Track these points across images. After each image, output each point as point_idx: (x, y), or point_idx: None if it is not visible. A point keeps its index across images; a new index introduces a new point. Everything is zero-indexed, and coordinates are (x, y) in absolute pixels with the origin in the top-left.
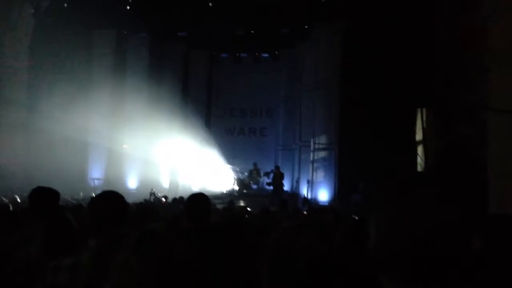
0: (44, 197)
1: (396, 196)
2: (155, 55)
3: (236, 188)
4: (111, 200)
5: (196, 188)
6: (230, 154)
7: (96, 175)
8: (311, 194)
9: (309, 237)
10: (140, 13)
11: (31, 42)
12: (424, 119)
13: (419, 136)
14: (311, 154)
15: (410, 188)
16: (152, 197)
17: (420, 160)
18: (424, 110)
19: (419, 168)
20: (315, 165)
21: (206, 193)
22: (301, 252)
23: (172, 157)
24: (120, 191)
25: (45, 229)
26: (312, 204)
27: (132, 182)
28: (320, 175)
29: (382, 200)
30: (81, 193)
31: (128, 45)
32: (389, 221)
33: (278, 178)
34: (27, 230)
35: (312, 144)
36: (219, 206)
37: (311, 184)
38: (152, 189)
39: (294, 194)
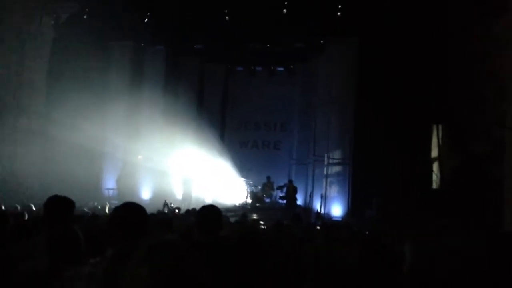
0: (59, 206)
1: (415, 218)
2: (172, 67)
3: (249, 201)
4: (133, 211)
5: (209, 200)
6: (244, 166)
7: (110, 185)
8: (325, 209)
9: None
10: (157, 25)
11: (50, 53)
12: (440, 135)
13: (434, 152)
14: (325, 168)
15: (431, 214)
16: (166, 208)
17: (435, 177)
18: (440, 126)
19: (434, 185)
20: (328, 179)
21: (219, 206)
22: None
23: (186, 168)
24: (134, 202)
25: (50, 241)
26: (325, 219)
27: (145, 193)
28: (333, 190)
29: (405, 223)
30: (95, 203)
31: (145, 57)
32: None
33: (291, 192)
34: (35, 241)
35: (326, 158)
36: (232, 219)
37: (324, 198)
38: (165, 200)
39: (307, 208)
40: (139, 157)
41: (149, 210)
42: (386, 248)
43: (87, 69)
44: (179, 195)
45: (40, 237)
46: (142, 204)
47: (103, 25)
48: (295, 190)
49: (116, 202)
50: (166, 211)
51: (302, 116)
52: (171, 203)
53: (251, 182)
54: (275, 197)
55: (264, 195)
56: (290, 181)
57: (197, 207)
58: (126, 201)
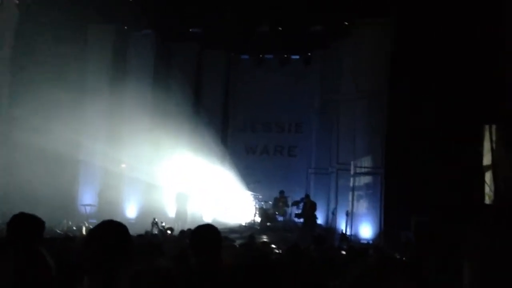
0: (25, 226)
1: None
2: (162, 55)
3: (258, 220)
4: (114, 232)
5: (208, 219)
6: (251, 177)
7: (88, 201)
8: (351, 229)
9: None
10: (145, 5)
11: (14, 38)
12: (494, 138)
13: (487, 159)
14: (351, 179)
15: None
16: (155, 229)
17: (488, 189)
18: (494, 127)
19: (487, 200)
20: (356, 193)
21: (221, 226)
22: None
23: (180, 180)
24: (115, 220)
25: (14, 269)
26: (351, 241)
27: (131, 210)
28: (362, 206)
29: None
30: (70, 222)
31: (129, 43)
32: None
33: (309, 209)
34: None
35: (352, 167)
36: (237, 242)
37: (350, 216)
38: (154, 219)
39: (330, 228)
40: (123, 166)
41: (135, 230)
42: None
43: (60, 58)
44: (171, 213)
45: (2, 264)
46: (127, 223)
47: (79, 4)
48: (314, 207)
49: (95, 221)
50: (155, 231)
51: (322, 115)
52: (162, 223)
53: (260, 197)
54: (290, 215)
55: (277, 213)
56: (308, 196)
57: (194, 227)
58: (106, 220)
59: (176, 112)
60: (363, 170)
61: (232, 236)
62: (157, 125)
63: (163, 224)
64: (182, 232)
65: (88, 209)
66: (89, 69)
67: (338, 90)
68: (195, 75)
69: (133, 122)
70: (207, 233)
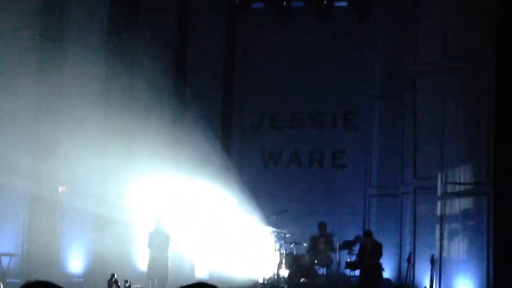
0: None
1: None
2: (123, 6)
3: (285, 273)
4: None
5: (203, 273)
6: (272, 204)
7: (7, 247)
8: (440, 286)
9: None
10: None
11: None
12: None
13: None
14: (438, 204)
15: None
16: None
17: None
18: None
19: None
20: (446, 226)
21: (224, 284)
22: None
23: (155, 212)
24: (54, 279)
25: None
26: None
27: (75, 261)
28: (457, 248)
29: None
30: None
31: None
32: None
33: (370, 255)
34: None
35: (439, 184)
36: None
37: (439, 265)
38: (113, 276)
39: (404, 286)
40: (60, 190)
41: None
42: None
43: None
44: (142, 265)
45: None
46: (68, 284)
47: None
48: (378, 251)
49: (17, 282)
50: None
51: (388, 100)
52: (127, 282)
53: (287, 236)
54: (338, 264)
55: (316, 262)
56: (368, 233)
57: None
58: (34, 280)
59: (146, 99)
60: (458, 188)
61: None
62: (115, 121)
63: (128, 284)
64: None
65: (6, 261)
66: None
67: (413, 59)
68: (177, 37)
69: (75, 115)
70: None
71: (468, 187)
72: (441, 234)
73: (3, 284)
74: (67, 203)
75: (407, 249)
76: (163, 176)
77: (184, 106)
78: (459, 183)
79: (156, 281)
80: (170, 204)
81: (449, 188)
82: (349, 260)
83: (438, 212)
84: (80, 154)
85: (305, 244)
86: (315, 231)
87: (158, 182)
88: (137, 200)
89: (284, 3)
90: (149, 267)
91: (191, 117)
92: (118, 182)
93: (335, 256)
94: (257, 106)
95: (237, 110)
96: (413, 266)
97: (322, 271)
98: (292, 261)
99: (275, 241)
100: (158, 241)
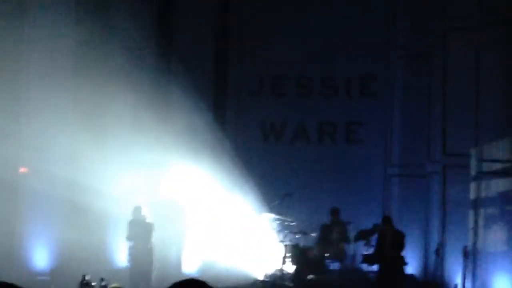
0: None
1: None
2: None
3: (290, 269)
4: None
5: (192, 269)
6: (274, 187)
7: None
8: (474, 285)
9: None
10: None
11: None
12: None
13: None
14: (472, 186)
15: None
16: None
17: None
18: None
19: None
20: (482, 212)
21: (218, 282)
22: None
23: (136, 197)
24: (14, 278)
25: None
26: None
27: (40, 257)
28: (495, 237)
29: None
30: None
31: None
32: None
33: (390, 246)
34: None
35: (473, 161)
36: None
37: (472, 257)
38: (84, 277)
39: (432, 282)
40: (22, 170)
41: None
42: None
43: None
44: (120, 259)
45: None
46: (34, 282)
47: None
48: (400, 241)
49: None
50: None
51: (412, 62)
52: (102, 281)
53: (293, 224)
54: (353, 258)
55: (326, 255)
56: (387, 220)
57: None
58: None
59: (123, 66)
60: (495, 166)
61: None
62: (85, 94)
63: (105, 283)
64: None
65: None
66: None
67: (443, 12)
68: None
69: (40, 90)
70: None
71: (507, 165)
72: (476, 222)
73: None
74: (29, 186)
75: (434, 239)
76: (144, 155)
77: (169, 71)
78: (497, 161)
79: (137, 279)
80: (152, 189)
81: (485, 167)
82: (366, 253)
83: (472, 195)
84: (46, 130)
85: (313, 234)
86: (325, 218)
87: (138, 163)
88: (113, 184)
89: None
90: (130, 262)
91: (178, 85)
92: (91, 163)
93: (350, 248)
94: (256, 70)
95: (232, 75)
96: (442, 260)
97: (334, 265)
98: (299, 254)
99: (278, 231)
100: (139, 232)
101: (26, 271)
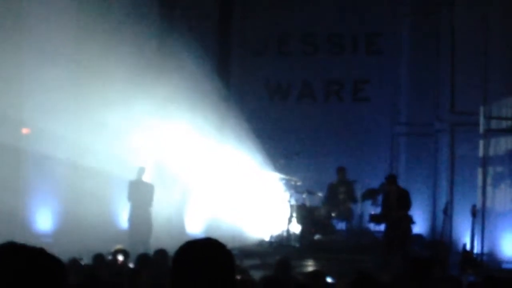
0: None
1: None
2: None
3: (296, 229)
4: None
5: (195, 229)
6: (280, 146)
7: None
8: (482, 244)
9: None
10: None
11: None
12: None
13: None
14: (480, 144)
15: None
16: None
17: None
18: None
19: None
20: (491, 170)
21: (224, 243)
22: None
23: (137, 157)
24: (17, 240)
25: None
26: (485, 267)
27: (43, 219)
28: (504, 196)
29: None
30: None
31: None
32: None
33: (397, 205)
34: None
35: (482, 120)
36: (255, 274)
37: (481, 217)
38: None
39: (440, 242)
40: (24, 132)
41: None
42: None
43: None
44: (123, 220)
45: None
46: (36, 244)
47: None
48: (404, 199)
49: None
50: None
51: (420, 17)
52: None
53: (299, 183)
54: (360, 217)
55: (333, 214)
56: (391, 179)
57: (169, 248)
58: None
59: (124, 22)
60: (504, 124)
61: (248, 263)
62: (86, 51)
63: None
64: (142, 258)
65: None
66: None
67: None
68: None
69: (40, 47)
70: (208, 258)
71: None
72: (484, 180)
73: None
74: (31, 148)
75: (443, 198)
76: (147, 114)
77: (171, 28)
78: (506, 118)
79: (137, 239)
80: (157, 149)
81: (494, 124)
82: (373, 212)
83: (481, 153)
84: (47, 89)
85: (320, 194)
86: (332, 177)
87: (141, 122)
88: (116, 144)
89: None
90: (129, 224)
91: (181, 41)
92: (93, 123)
93: (357, 208)
94: (261, 27)
95: (236, 32)
96: (450, 218)
97: (341, 225)
98: (305, 214)
99: (284, 191)
100: (140, 193)
101: (29, 233)
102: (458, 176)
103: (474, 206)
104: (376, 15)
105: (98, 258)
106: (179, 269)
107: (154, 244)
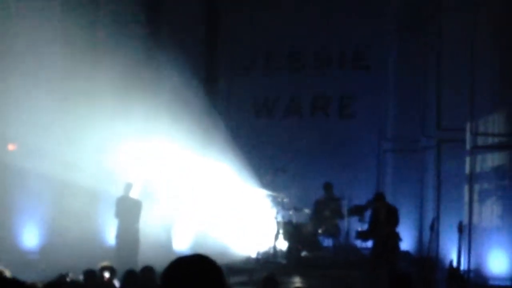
0: None
1: None
2: None
3: (283, 246)
4: None
5: (182, 246)
6: (267, 163)
7: None
8: (468, 260)
9: None
10: None
11: None
12: None
13: None
14: (467, 161)
15: None
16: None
17: None
18: None
19: None
20: (477, 187)
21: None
22: None
23: (125, 173)
24: (3, 255)
25: None
26: (474, 283)
27: (29, 235)
28: (490, 213)
29: None
30: None
31: None
32: None
33: (384, 221)
34: None
35: (468, 136)
36: None
37: (467, 234)
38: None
39: (426, 259)
40: (10, 148)
41: (40, 273)
42: None
43: None
44: (110, 237)
45: None
46: (23, 260)
47: None
48: (393, 216)
49: None
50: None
51: (407, 33)
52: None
53: (285, 200)
54: (347, 234)
55: (320, 231)
56: (379, 196)
57: (156, 264)
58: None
59: (112, 37)
60: (490, 141)
61: (235, 280)
62: (74, 67)
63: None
64: (129, 275)
65: None
66: None
67: None
68: None
69: (28, 61)
70: (199, 274)
71: (503, 139)
72: (471, 196)
73: None
74: (17, 164)
75: (429, 215)
76: (133, 130)
77: (159, 43)
78: (493, 135)
79: (124, 255)
80: (143, 165)
81: (480, 141)
82: (360, 229)
83: (467, 170)
84: (34, 105)
85: (307, 210)
86: (319, 194)
87: (128, 138)
88: (103, 160)
89: None
90: (117, 239)
91: (168, 58)
92: (80, 139)
93: (343, 224)
94: (248, 43)
95: (224, 48)
96: (437, 235)
97: (327, 242)
98: (292, 231)
99: (271, 207)
100: (127, 209)
101: (15, 250)
102: (445, 192)
103: (460, 223)
104: (362, 31)
105: (89, 274)
106: (169, 285)
107: (141, 260)
